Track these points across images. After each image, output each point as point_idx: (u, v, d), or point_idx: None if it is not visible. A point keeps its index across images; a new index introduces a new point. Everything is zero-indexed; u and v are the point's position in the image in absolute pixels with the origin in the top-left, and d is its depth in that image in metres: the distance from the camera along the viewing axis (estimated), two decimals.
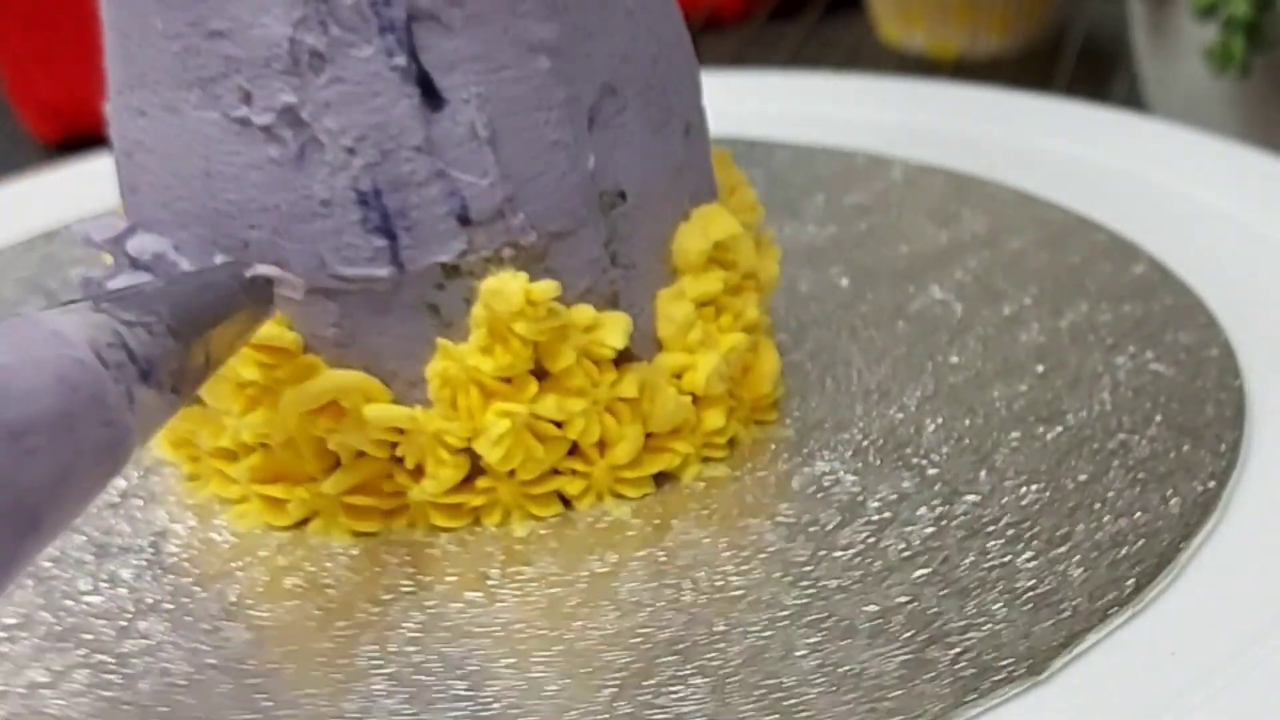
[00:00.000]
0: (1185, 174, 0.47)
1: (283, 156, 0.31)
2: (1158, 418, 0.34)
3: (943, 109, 0.53)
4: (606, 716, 0.27)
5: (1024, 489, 0.32)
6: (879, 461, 0.34)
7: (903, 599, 0.29)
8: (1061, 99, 0.54)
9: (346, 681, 0.29)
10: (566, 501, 0.34)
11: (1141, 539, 0.30)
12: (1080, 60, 0.73)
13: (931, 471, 0.33)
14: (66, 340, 0.24)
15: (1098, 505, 0.32)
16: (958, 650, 0.28)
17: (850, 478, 0.34)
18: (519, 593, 0.31)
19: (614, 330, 0.33)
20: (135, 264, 0.33)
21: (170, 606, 0.31)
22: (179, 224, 0.32)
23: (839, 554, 0.31)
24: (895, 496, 0.33)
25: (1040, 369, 0.37)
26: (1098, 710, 0.27)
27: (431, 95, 0.31)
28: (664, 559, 0.32)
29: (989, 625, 0.28)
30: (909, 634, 0.28)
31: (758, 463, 0.35)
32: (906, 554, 0.31)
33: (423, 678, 0.29)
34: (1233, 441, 0.33)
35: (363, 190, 0.31)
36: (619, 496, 0.34)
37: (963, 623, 0.29)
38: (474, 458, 0.33)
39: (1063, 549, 0.30)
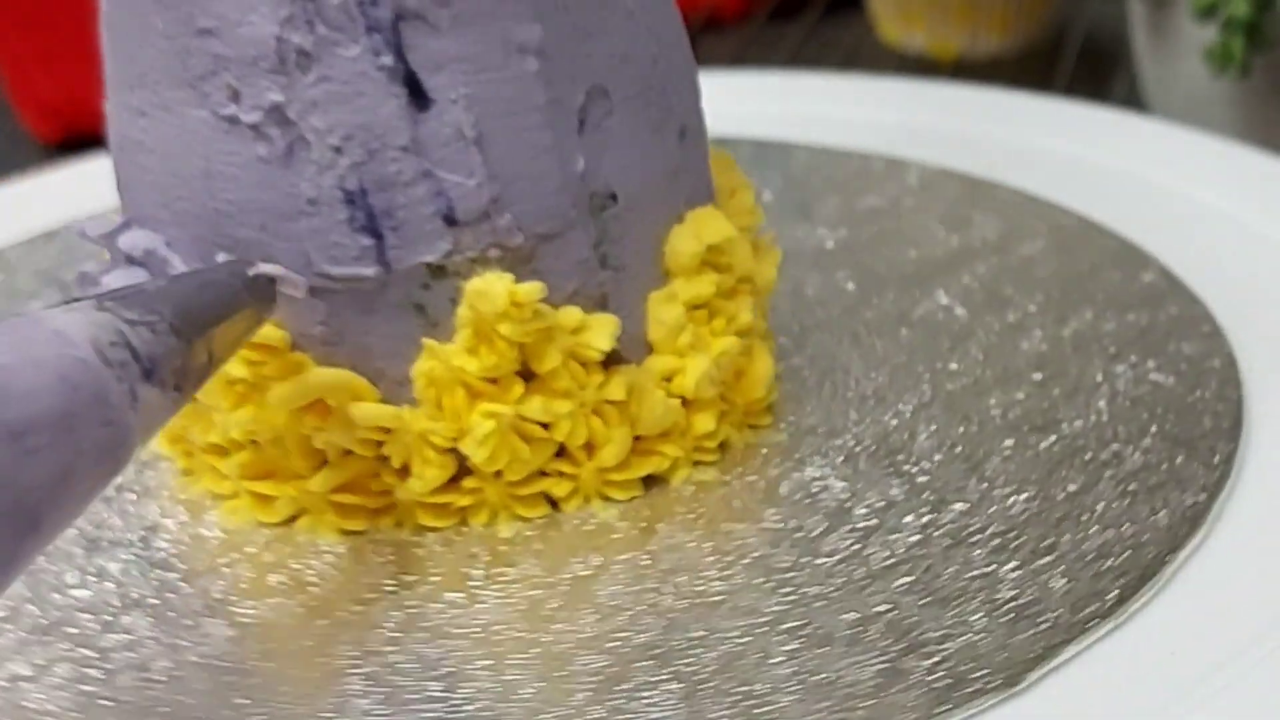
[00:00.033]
0: (1185, 174, 0.47)
1: (270, 155, 0.31)
2: (1153, 429, 0.34)
3: (943, 109, 0.52)
4: None
5: (1013, 499, 0.32)
6: (869, 468, 0.34)
7: (882, 607, 0.29)
8: (1061, 99, 0.53)
9: (322, 681, 0.29)
10: (554, 503, 0.34)
11: (1127, 551, 0.30)
12: (1080, 60, 0.73)
13: (921, 479, 0.33)
14: (68, 340, 0.24)
15: (1085, 516, 0.31)
16: (934, 660, 0.28)
17: (839, 484, 0.33)
18: (500, 594, 0.31)
19: (601, 332, 0.33)
20: (128, 259, 0.33)
21: (155, 602, 0.31)
22: (171, 220, 0.33)
23: (822, 561, 0.31)
24: (883, 504, 0.33)
25: (1039, 377, 0.37)
26: None
27: (418, 95, 0.31)
28: (647, 562, 0.31)
29: (967, 636, 0.28)
30: (886, 643, 0.28)
31: (748, 467, 0.35)
32: (890, 562, 0.31)
33: (398, 678, 0.29)
34: (1226, 454, 0.33)
35: (349, 189, 0.31)
36: (606, 499, 0.34)
37: (941, 633, 0.28)
38: (461, 458, 0.33)
39: (1047, 560, 0.30)
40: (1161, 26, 0.58)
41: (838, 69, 0.62)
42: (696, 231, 0.34)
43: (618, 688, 0.28)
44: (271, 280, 0.31)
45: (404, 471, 0.33)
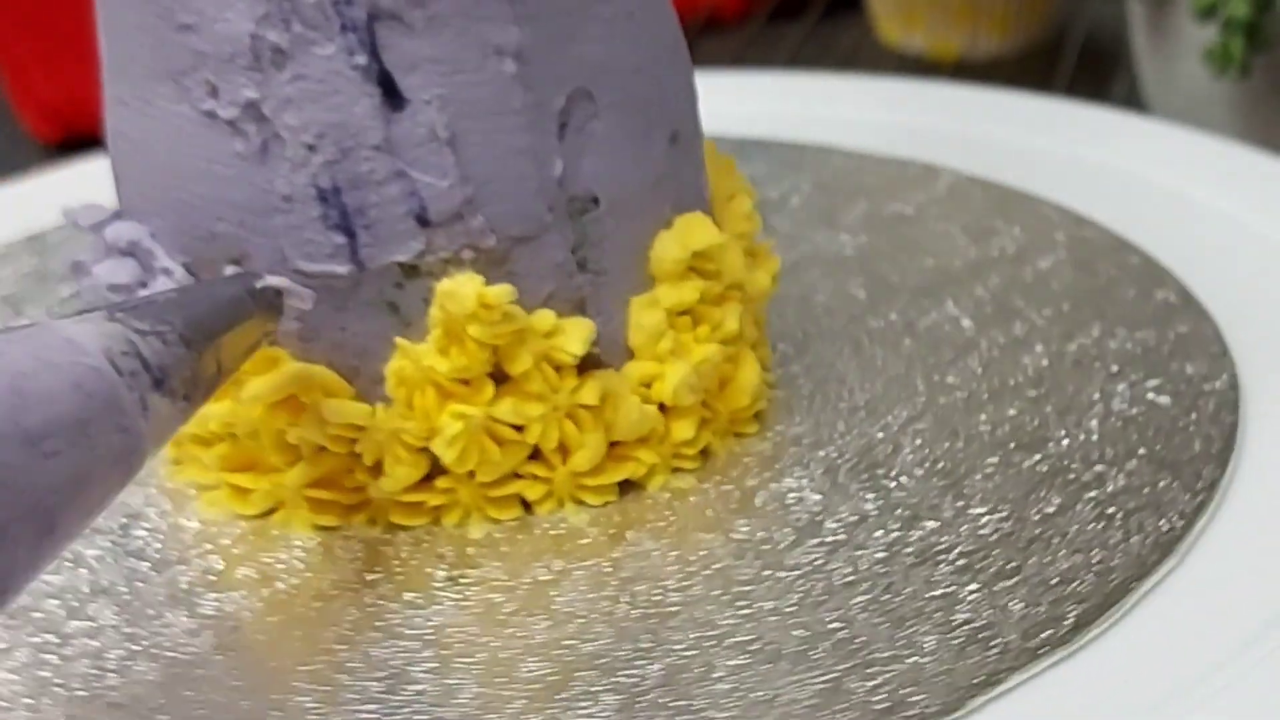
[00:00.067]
0: (1185, 174, 0.46)
1: (247, 151, 0.31)
2: (1141, 450, 0.33)
3: (943, 109, 0.52)
4: None
5: (986, 518, 0.31)
6: (848, 481, 0.33)
7: (835, 625, 0.29)
8: (1061, 99, 0.53)
9: (268, 676, 0.29)
10: (528, 505, 0.34)
11: (1092, 577, 0.29)
12: (1080, 60, 0.72)
13: (898, 495, 0.33)
14: (81, 348, 0.25)
15: (1056, 539, 0.31)
16: (876, 682, 0.27)
17: (814, 496, 0.33)
18: (458, 596, 0.31)
19: (574, 336, 0.32)
20: (116, 250, 0.34)
21: (124, 590, 0.32)
22: (155, 213, 0.33)
23: (784, 574, 0.30)
24: (855, 518, 0.32)
25: (1033, 394, 0.36)
26: None
27: (392, 95, 0.31)
28: (609, 570, 0.31)
29: (914, 658, 0.28)
30: (832, 661, 0.28)
31: (727, 476, 0.34)
32: (851, 579, 0.30)
33: (342, 677, 0.29)
34: (1211, 479, 0.32)
35: (322, 187, 0.31)
36: (580, 503, 0.34)
37: (889, 654, 0.28)
38: (434, 457, 0.33)
39: (1009, 583, 0.29)
40: (1161, 27, 0.57)
41: (838, 69, 0.61)
42: (682, 237, 0.34)
43: (556, 697, 0.28)
44: (279, 292, 0.31)
45: (376, 469, 0.33)
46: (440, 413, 0.32)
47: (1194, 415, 0.34)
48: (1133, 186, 0.46)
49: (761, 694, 0.27)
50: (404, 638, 0.30)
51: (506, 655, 0.29)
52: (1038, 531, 0.31)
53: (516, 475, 0.33)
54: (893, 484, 0.33)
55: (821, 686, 0.27)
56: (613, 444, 0.34)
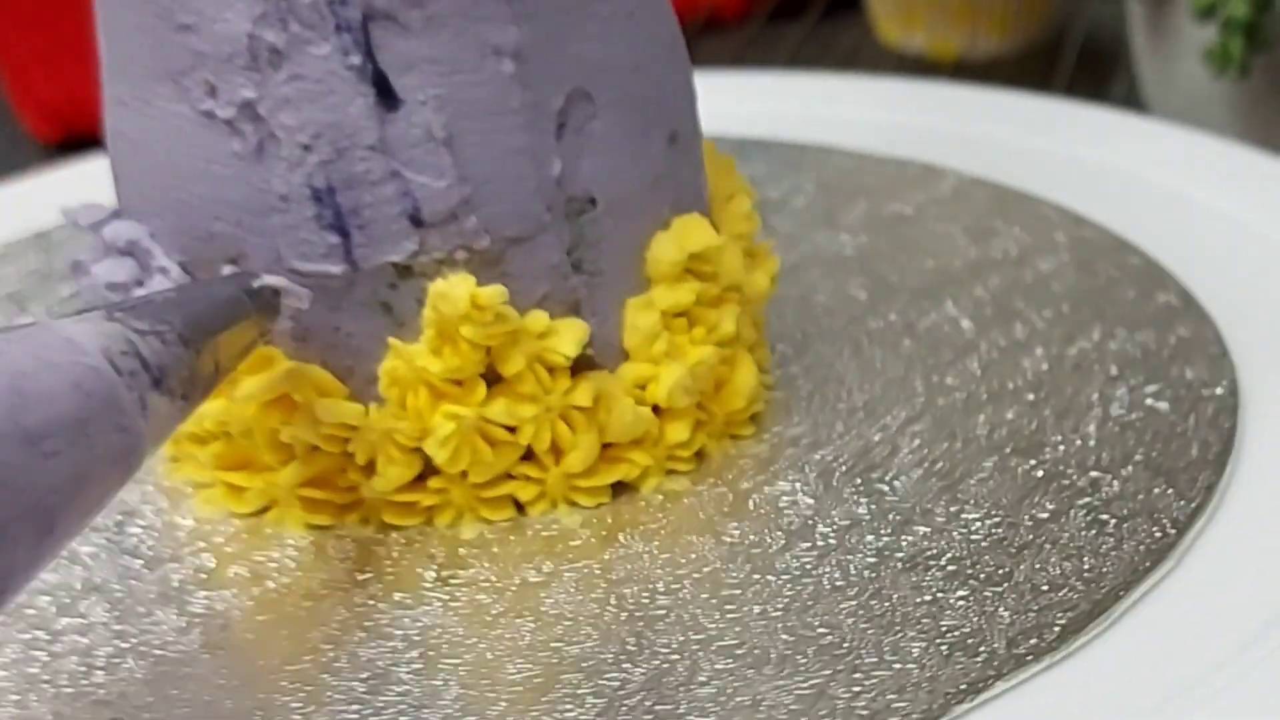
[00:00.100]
0: (1185, 174, 0.46)
1: (244, 150, 0.31)
2: (1138, 456, 0.33)
3: (942, 109, 0.51)
4: None
5: (979, 523, 0.31)
6: (842, 485, 0.33)
7: (821, 630, 0.29)
8: (1061, 99, 0.53)
9: (254, 675, 0.29)
10: (521, 506, 0.34)
11: (1083, 584, 0.29)
12: (1080, 60, 0.71)
13: (890, 499, 0.32)
14: (81, 348, 0.25)
15: (1049, 545, 0.30)
16: (860, 689, 0.27)
17: (808, 500, 0.33)
18: (446, 597, 0.31)
19: (568, 338, 0.32)
20: (115, 250, 0.34)
21: (116, 588, 0.32)
22: (154, 212, 0.33)
23: (772, 578, 0.30)
24: (847, 522, 0.32)
25: (1032, 397, 0.36)
26: None
27: (387, 95, 0.31)
28: (598, 572, 0.31)
29: (899, 665, 0.28)
30: (817, 667, 0.28)
31: (721, 478, 0.34)
32: (840, 583, 0.30)
33: (327, 676, 0.29)
34: (1207, 485, 0.31)
35: (317, 187, 0.31)
36: (573, 504, 0.33)
37: (874, 659, 0.28)
38: (427, 457, 0.33)
39: (999, 589, 0.29)
40: (1161, 27, 0.57)
41: (838, 69, 0.61)
42: (679, 239, 0.34)
43: (540, 699, 0.28)
44: (275, 292, 0.31)
45: (369, 469, 0.33)
46: (433, 413, 0.32)
47: (1192, 420, 0.34)
48: (1132, 186, 0.46)
49: (745, 699, 0.27)
50: (391, 638, 0.30)
51: (492, 657, 0.29)
52: (1030, 537, 0.31)
53: (509, 476, 0.33)
54: (887, 487, 0.33)
55: (805, 692, 0.27)
56: (606, 445, 0.34)
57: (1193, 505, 0.31)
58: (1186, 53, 0.55)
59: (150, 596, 0.31)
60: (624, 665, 0.28)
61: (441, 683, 0.28)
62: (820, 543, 0.31)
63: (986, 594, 0.29)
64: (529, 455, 0.33)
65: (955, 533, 0.31)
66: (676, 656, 0.28)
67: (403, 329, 0.32)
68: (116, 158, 0.34)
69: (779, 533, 0.32)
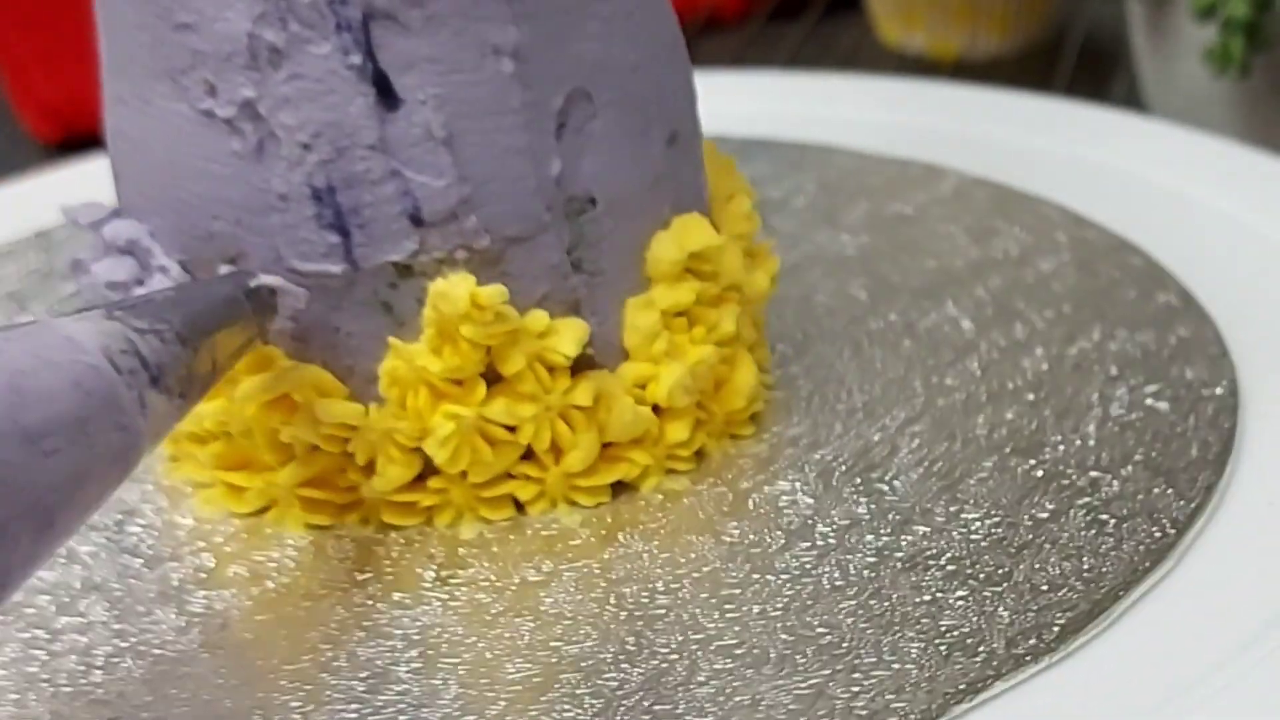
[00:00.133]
0: (1184, 174, 0.46)
1: (244, 150, 0.31)
2: (1137, 456, 0.33)
3: (943, 109, 0.51)
4: None
5: (978, 523, 0.31)
6: (841, 484, 0.33)
7: (820, 630, 0.29)
8: (1061, 99, 0.53)
9: (253, 675, 0.29)
10: (520, 506, 0.34)
11: (1082, 584, 0.29)
12: (1080, 60, 0.71)
13: (890, 498, 0.32)
14: (80, 347, 0.25)
15: (1048, 545, 0.30)
16: (859, 689, 0.27)
17: (807, 500, 0.33)
18: (445, 597, 0.31)
19: (568, 337, 0.32)
20: (115, 249, 0.34)
21: (115, 587, 0.32)
22: (154, 211, 0.33)
23: (772, 578, 0.30)
24: (847, 522, 0.32)
25: (1032, 397, 0.36)
26: None
27: (387, 94, 0.31)
28: (598, 571, 0.31)
29: (898, 665, 0.28)
30: (816, 667, 0.28)
31: (720, 478, 0.34)
32: (839, 583, 0.30)
33: (326, 676, 0.29)
34: (1206, 486, 0.31)
35: (317, 186, 0.31)
36: (573, 504, 0.33)
37: (873, 659, 0.28)
38: (427, 457, 0.33)
39: (998, 589, 0.29)
40: (1161, 26, 0.57)
41: (838, 69, 0.61)
42: (679, 238, 0.34)
43: (539, 699, 0.28)
44: (273, 291, 0.31)
45: (369, 469, 0.33)
46: (433, 413, 0.32)
47: (1192, 420, 0.34)
48: (1133, 187, 0.46)
49: (744, 698, 0.27)
50: (390, 637, 0.30)
51: (491, 656, 0.29)
52: (1029, 537, 0.31)
53: (509, 475, 0.33)
54: (886, 487, 0.33)
55: (804, 692, 0.27)
56: (606, 445, 0.34)
57: (1192, 505, 0.31)
58: (1187, 53, 0.55)
59: (150, 596, 0.31)
60: (623, 665, 0.28)
61: (441, 682, 0.28)
62: (820, 542, 0.31)
63: (986, 594, 0.29)
64: (529, 455, 0.33)
65: (955, 533, 0.31)
66: (676, 656, 0.28)
67: (403, 329, 0.32)
68: (116, 156, 0.34)
69: (778, 532, 0.32)
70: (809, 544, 0.31)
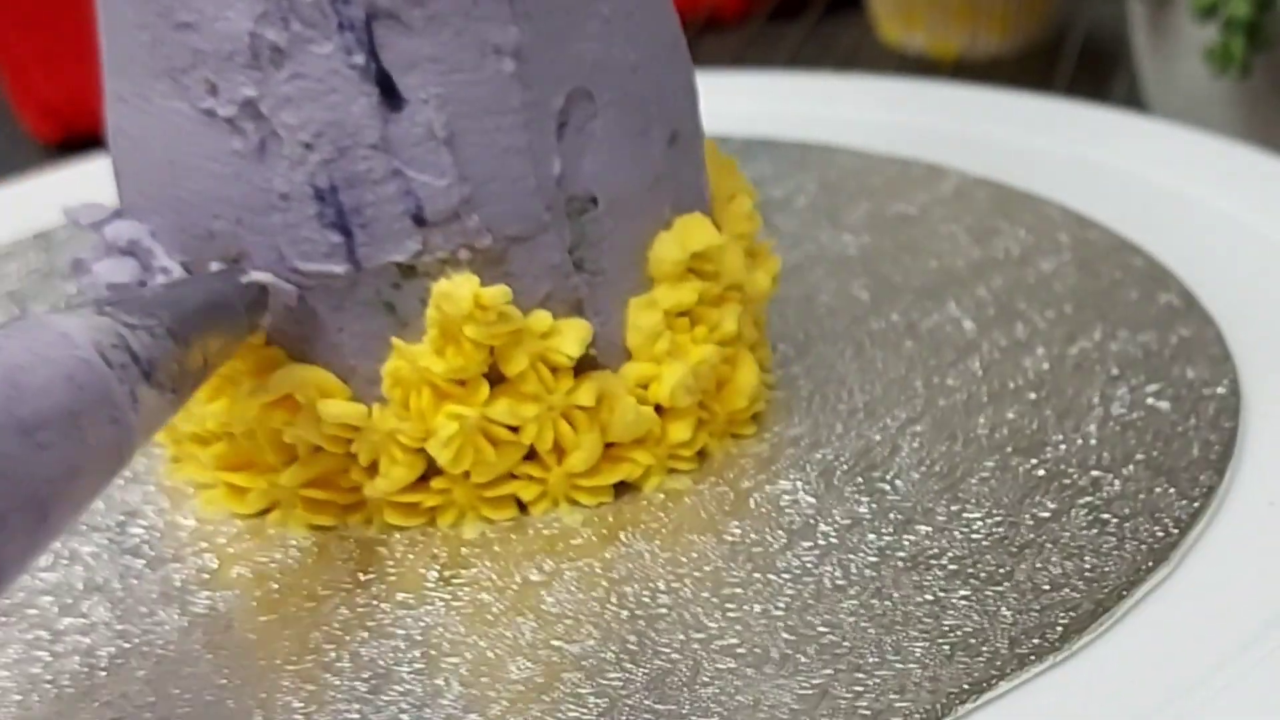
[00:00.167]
0: (1185, 174, 0.46)
1: (245, 149, 0.31)
2: (1139, 456, 0.33)
3: (944, 109, 0.52)
4: None
5: (980, 522, 0.31)
6: (843, 484, 0.33)
7: (823, 629, 0.29)
8: (1061, 99, 0.53)
9: (256, 675, 0.29)
10: (523, 506, 0.34)
11: (1084, 583, 0.29)
12: (1080, 60, 0.72)
13: (892, 498, 0.32)
14: (73, 341, 0.26)
15: (1050, 545, 0.30)
16: (862, 688, 0.27)
17: (809, 499, 0.33)
18: (448, 597, 0.31)
19: (570, 338, 0.32)
20: (116, 249, 0.34)
21: (117, 588, 0.32)
22: (155, 210, 0.33)
23: (774, 578, 0.30)
24: (849, 522, 0.32)
25: (1033, 397, 0.36)
26: None
27: (390, 94, 0.31)
28: (599, 571, 0.31)
29: (901, 664, 0.28)
30: (819, 666, 0.28)
31: (722, 477, 0.34)
32: (841, 583, 0.30)
33: (328, 676, 0.29)
34: (1208, 485, 0.31)
35: (319, 186, 0.31)
36: (575, 504, 0.33)
37: (876, 659, 0.28)
38: (430, 458, 0.33)
39: (1000, 588, 0.29)
40: (1161, 26, 0.57)
41: (838, 69, 0.61)
42: (681, 238, 0.34)
43: (541, 698, 0.28)
44: (264, 288, 0.31)
45: (372, 469, 0.33)
46: (436, 413, 0.32)
47: (1194, 420, 0.34)
48: (1133, 186, 0.46)
49: (746, 699, 0.27)
50: (393, 637, 0.30)
51: (494, 656, 0.29)
52: (1031, 537, 0.31)
53: (512, 476, 0.33)
54: (888, 487, 0.33)
55: (807, 691, 0.27)
56: (608, 445, 0.34)
57: (1194, 505, 0.31)
58: (1187, 52, 0.55)
59: (152, 596, 0.32)
60: (625, 664, 0.28)
61: (443, 682, 0.28)
62: (822, 542, 0.31)
63: (988, 593, 0.29)
64: (531, 455, 0.33)
65: (957, 532, 0.31)
66: (678, 656, 0.28)
67: (406, 329, 0.32)
68: (117, 155, 0.34)
69: (780, 532, 0.32)
70: (811, 544, 0.31)
